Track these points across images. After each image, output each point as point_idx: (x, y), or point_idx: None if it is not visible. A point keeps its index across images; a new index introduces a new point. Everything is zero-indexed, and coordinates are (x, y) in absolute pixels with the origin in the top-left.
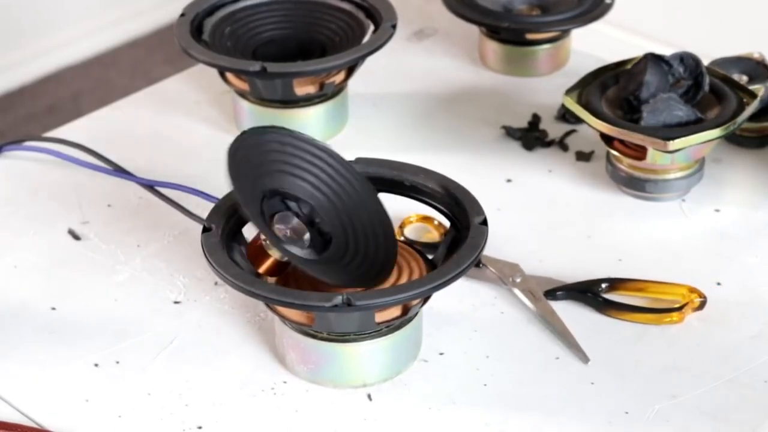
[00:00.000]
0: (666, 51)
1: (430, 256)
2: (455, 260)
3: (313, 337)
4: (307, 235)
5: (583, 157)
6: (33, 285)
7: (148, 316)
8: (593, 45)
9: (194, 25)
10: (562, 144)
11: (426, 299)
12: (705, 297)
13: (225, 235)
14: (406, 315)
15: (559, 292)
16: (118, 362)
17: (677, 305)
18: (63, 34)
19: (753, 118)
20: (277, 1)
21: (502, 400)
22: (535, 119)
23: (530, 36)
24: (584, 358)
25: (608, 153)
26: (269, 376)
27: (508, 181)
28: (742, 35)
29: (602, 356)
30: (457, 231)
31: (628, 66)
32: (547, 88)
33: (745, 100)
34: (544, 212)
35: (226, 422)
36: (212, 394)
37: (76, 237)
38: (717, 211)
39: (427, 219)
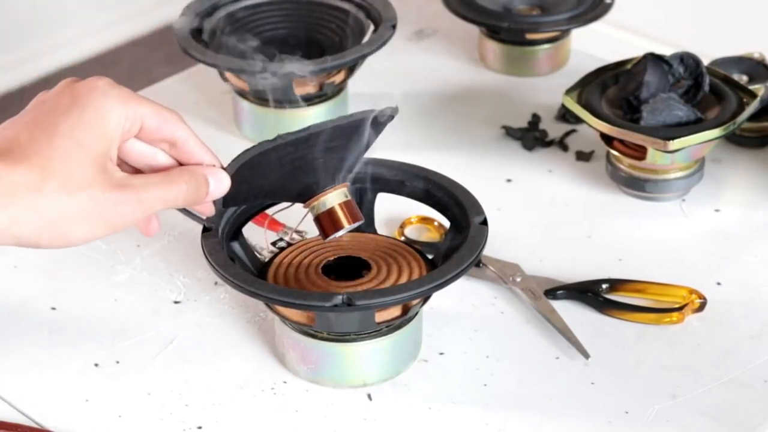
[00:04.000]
0: (666, 51)
1: (430, 256)
2: (455, 260)
3: (313, 337)
4: None
5: (583, 157)
6: (33, 285)
7: (148, 316)
8: (593, 45)
9: (194, 25)
10: (562, 144)
11: (426, 299)
12: (705, 299)
13: (225, 235)
14: (406, 315)
15: (559, 292)
16: (118, 362)
17: (677, 305)
18: (63, 34)
19: (753, 118)
20: (277, 1)
21: (502, 400)
22: (535, 119)
23: (530, 36)
24: (585, 356)
25: (608, 153)
26: (269, 376)
27: (508, 181)
28: (742, 35)
29: (602, 356)
30: (457, 231)
31: (628, 66)
32: (547, 88)
33: (745, 100)
34: (544, 212)
35: (226, 422)
36: (212, 394)
37: None
38: (717, 211)
39: (427, 219)
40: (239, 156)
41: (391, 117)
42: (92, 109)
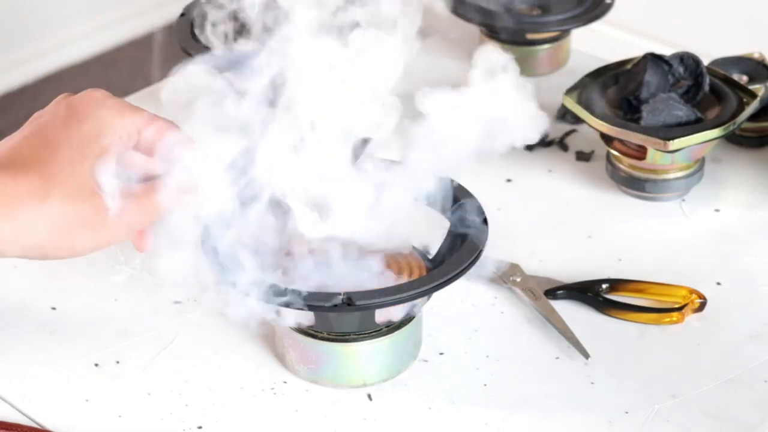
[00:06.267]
0: (666, 51)
1: (430, 256)
2: (455, 260)
3: (313, 337)
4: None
5: (583, 157)
6: (33, 285)
7: (148, 316)
8: (593, 45)
9: (194, 25)
10: (562, 144)
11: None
12: (705, 299)
13: None
14: (406, 315)
15: (559, 292)
16: (118, 362)
17: (677, 305)
18: (63, 34)
19: (753, 118)
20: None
21: (502, 400)
22: None
23: (530, 36)
24: (585, 356)
25: (608, 153)
26: (269, 376)
27: (508, 181)
28: (742, 35)
29: (602, 356)
30: (457, 231)
31: (628, 66)
32: (547, 88)
33: (745, 100)
34: (544, 212)
35: (226, 422)
36: (212, 394)
37: None
38: (717, 211)
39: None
40: None
41: (366, 143)
42: (91, 119)
